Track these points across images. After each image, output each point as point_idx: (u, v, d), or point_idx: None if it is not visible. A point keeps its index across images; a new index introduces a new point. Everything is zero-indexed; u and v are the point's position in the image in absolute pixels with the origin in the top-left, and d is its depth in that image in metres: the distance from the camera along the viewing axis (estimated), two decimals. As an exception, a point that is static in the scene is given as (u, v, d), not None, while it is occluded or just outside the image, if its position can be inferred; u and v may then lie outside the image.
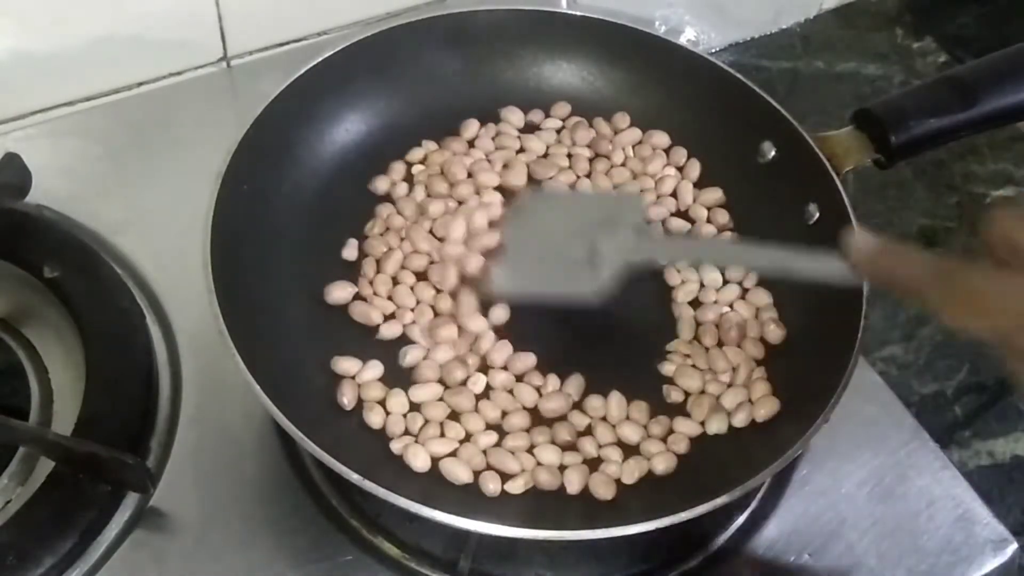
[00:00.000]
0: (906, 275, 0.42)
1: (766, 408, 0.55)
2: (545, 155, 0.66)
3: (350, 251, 0.61)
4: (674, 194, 0.65)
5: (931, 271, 0.40)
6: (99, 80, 0.70)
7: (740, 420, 0.55)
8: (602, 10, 0.68)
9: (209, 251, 0.53)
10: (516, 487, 0.52)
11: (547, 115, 0.68)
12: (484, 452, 0.53)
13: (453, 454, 0.53)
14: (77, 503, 0.52)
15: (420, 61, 0.67)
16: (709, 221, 0.64)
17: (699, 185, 0.65)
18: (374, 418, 0.54)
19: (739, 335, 0.58)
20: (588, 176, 0.66)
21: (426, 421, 0.54)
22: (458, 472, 0.52)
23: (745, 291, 0.61)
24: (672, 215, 0.64)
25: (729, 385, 0.57)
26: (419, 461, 0.52)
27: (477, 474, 0.53)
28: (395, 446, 0.53)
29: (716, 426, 0.55)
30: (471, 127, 0.67)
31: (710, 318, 0.60)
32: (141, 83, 0.72)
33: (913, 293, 0.41)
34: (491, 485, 0.52)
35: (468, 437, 0.54)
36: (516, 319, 0.58)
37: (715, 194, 0.65)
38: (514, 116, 0.68)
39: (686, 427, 0.55)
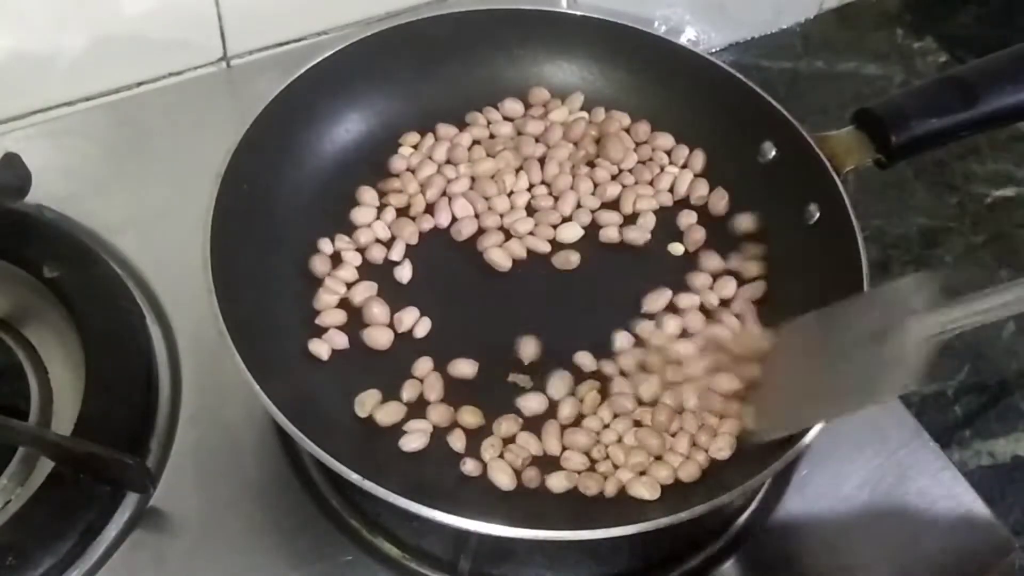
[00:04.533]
0: None
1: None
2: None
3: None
4: (672, 189, 0.65)
5: None
6: (99, 80, 0.70)
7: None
8: (602, 10, 0.68)
9: (209, 251, 0.53)
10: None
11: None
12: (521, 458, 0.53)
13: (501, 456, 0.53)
14: (77, 503, 0.52)
15: (420, 61, 0.67)
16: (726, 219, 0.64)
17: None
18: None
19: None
20: (588, 175, 0.65)
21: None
22: (501, 478, 0.52)
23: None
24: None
25: None
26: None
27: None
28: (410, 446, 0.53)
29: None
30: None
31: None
32: (141, 83, 0.72)
33: None
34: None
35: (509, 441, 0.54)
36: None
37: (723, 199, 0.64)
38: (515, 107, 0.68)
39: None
